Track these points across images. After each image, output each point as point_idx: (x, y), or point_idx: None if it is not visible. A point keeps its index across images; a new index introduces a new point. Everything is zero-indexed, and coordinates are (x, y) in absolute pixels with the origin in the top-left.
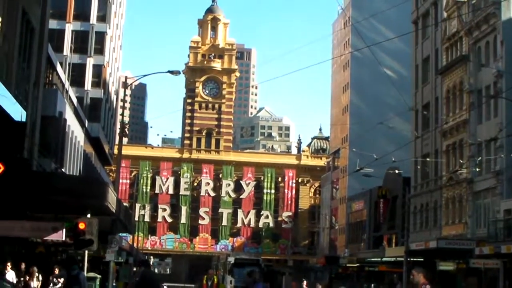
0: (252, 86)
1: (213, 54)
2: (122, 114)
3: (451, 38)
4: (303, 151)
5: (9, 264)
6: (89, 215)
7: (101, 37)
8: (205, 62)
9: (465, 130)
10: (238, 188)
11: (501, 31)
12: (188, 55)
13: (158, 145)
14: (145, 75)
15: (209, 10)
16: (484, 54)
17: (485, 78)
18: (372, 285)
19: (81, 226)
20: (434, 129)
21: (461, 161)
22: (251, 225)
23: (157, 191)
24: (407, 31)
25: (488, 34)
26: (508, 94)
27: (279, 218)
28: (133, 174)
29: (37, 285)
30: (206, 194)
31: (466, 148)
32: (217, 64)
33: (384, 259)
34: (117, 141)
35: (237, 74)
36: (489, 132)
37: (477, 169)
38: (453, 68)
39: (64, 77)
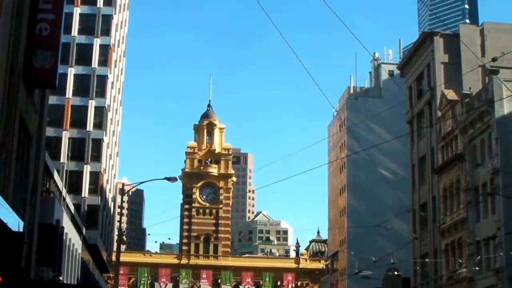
0: (249, 191)
1: (209, 159)
2: (120, 221)
3: (446, 137)
4: (302, 254)
5: None
6: None
7: (97, 144)
8: (202, 168)
9: (463, 228)
10: None
11: (495, 129)
12: (185, 161)
13: (156, 251)
14: (142, 182)
15: (205, 115)
16: (480, 151)
17: (482, 175)
18: None
19: None
20: (432, 229)
21: (461, 260)
22: None
23: None
24: (402, 131)
25: (482, 132)
26: (505, 191)
27: None
28: (131, 281)
29: None
30: None
31: (465, 247)
32: (213, 170)
33: None
34: (115, 248)
35: (234, 179)
36: (487, 230)
37: (477, 268)
38: (449, 166)
39: (61, 184)
